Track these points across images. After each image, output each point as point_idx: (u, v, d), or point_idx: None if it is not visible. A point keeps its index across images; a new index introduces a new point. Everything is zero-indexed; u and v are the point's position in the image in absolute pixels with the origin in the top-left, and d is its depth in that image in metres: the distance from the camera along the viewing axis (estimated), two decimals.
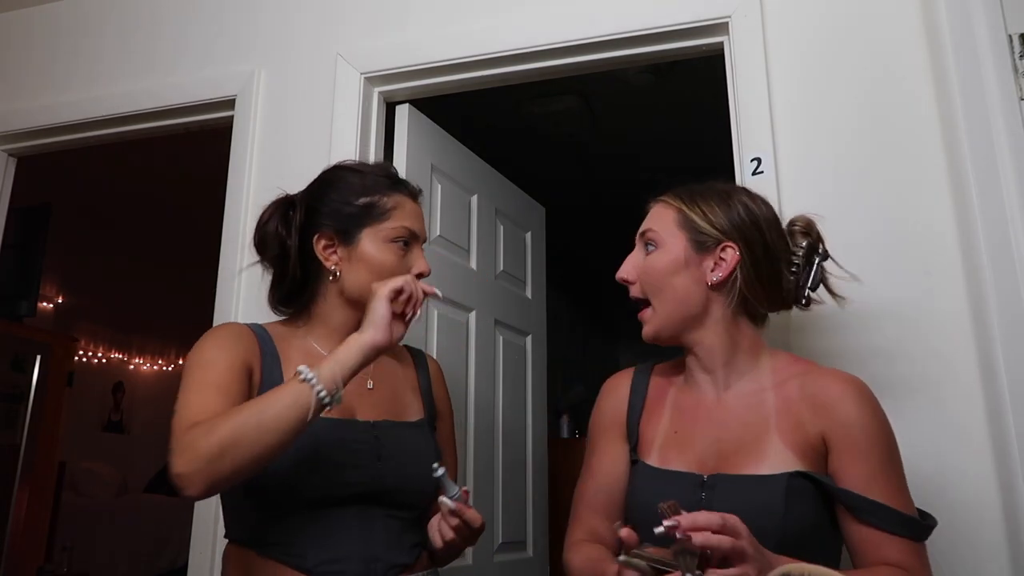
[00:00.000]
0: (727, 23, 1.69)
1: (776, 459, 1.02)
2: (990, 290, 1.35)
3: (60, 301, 5.84)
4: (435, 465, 1.11)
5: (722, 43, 1.73)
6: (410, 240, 1.26)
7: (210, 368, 1.13)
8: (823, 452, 1.04)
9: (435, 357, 1.80)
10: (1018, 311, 1.32)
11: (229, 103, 2.06)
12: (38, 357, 4.71)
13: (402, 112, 2.01)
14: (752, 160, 1.60)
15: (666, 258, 1.12)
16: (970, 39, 1.45)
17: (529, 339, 2.50)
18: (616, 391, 1.23)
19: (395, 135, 2.00)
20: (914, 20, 1.58)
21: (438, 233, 2.07)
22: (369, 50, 1.97)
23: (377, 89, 1.97)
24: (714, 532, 0.85)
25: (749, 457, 1.04)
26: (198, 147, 2.56)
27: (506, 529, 2.19)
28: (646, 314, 1.14)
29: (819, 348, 1.48)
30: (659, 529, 0.86)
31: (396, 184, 1.29)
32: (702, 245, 1.12)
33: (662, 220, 1.15)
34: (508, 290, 2.40)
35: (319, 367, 1.06)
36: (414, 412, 1.30)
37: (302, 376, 1.04)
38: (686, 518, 0.85)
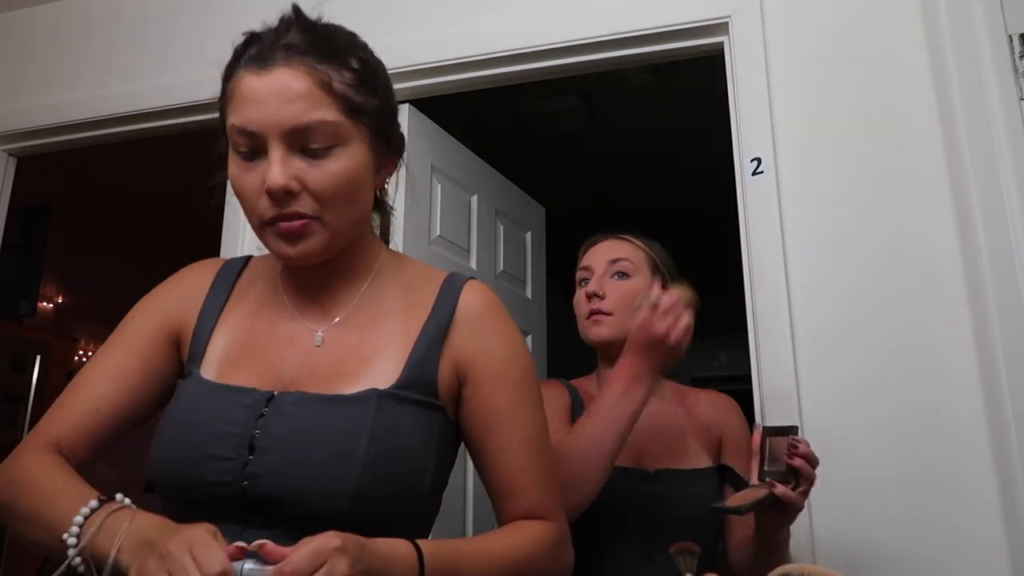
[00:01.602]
0: (727, 23, 1.69)
1: (697, 457, 1.34)
2: (990, 290, 1.35)
3: (60, 301, 5.84)
4: (246, 553, 0.69)
5: (722, 43, 1.73)
6: (255, 146, 0.84)
7: (125, 339, 0.95)
8: (719, 449, 1.38)
9: None
10: (1018, 311, 1.32)
11: None
12: (38, 357, 4.72)
13: (402, 112, 2.01)
14: (752, 160, 1.60)
15: (640, 288, 1.35)
16: (970, 39, 1.45)
17: (529, 339, 2.50)
18: (557, 389, 1.42)
19: None
20: (914, 20, 1.58)
21: (438, 233, 2.07)
22: None
23: None
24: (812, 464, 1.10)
25: (676, 455, 1.32)
26: (198, 147, 2.56)
27: None
28: (606, 320, 1.36)
29: (823, 347, 1.49)
30: (783, 424, 1.19)
31: (237, 58, 0.89)
32: (662, 285, 1.38)
33: (634, 255, 1.41)
34: (508, 290, 2.40)
35: (109, 522, 0.75)
36: (373, 379, 0.86)
37: (82, 512, 0.77)
38: (804, 445, 1.10)
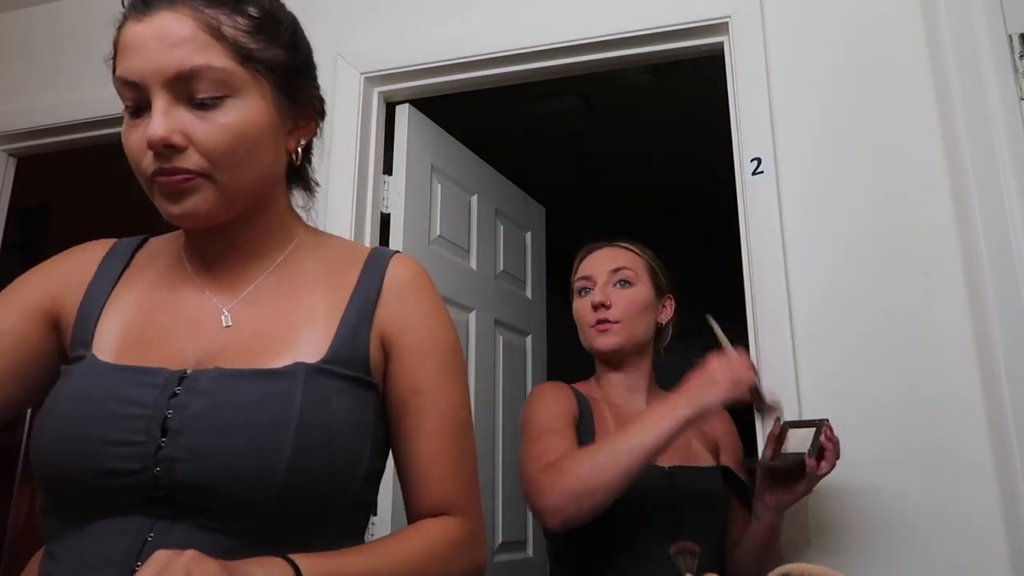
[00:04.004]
0: (727, 23, 1.69)
1: (703, 457, 1.39)
2: (990, 290, 1.35)
3: None
4: None
5: (722, 43, 1.73)
6: (140, 99, 0.77)
7: None
8: (717, 453, 1.44)
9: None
10: (1018, 311, 1.32)
11: None
12: None
13: (402, 112, 2.01)
14: (752, 160, 1.60)
15: (643, 296, 1.42)
16: (970, 39, 1.45)
17: (529, 339, 2.50)
18: (565, 392, 1.39)
19: (395, 135, 2.00)
20: (914, 20, 1.58)
21: (438, 233, 2.07)
22: (369, 50, 1.97)
23: (377, 89, 1.97)
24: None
25: (685, 454, 1.36)
26: None
27: (506, 529, 2.19)
28: (613, 328, 1.39)
29: (823, 348, 1.49)
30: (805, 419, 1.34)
31: (124, 9, 0.79)
32: (659, 291, 1.45)
33: (635, 264, 1.44)
34: (508, 290, 2.40)
35: None
36: (297, 353, 0.78)
37: None
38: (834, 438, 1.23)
